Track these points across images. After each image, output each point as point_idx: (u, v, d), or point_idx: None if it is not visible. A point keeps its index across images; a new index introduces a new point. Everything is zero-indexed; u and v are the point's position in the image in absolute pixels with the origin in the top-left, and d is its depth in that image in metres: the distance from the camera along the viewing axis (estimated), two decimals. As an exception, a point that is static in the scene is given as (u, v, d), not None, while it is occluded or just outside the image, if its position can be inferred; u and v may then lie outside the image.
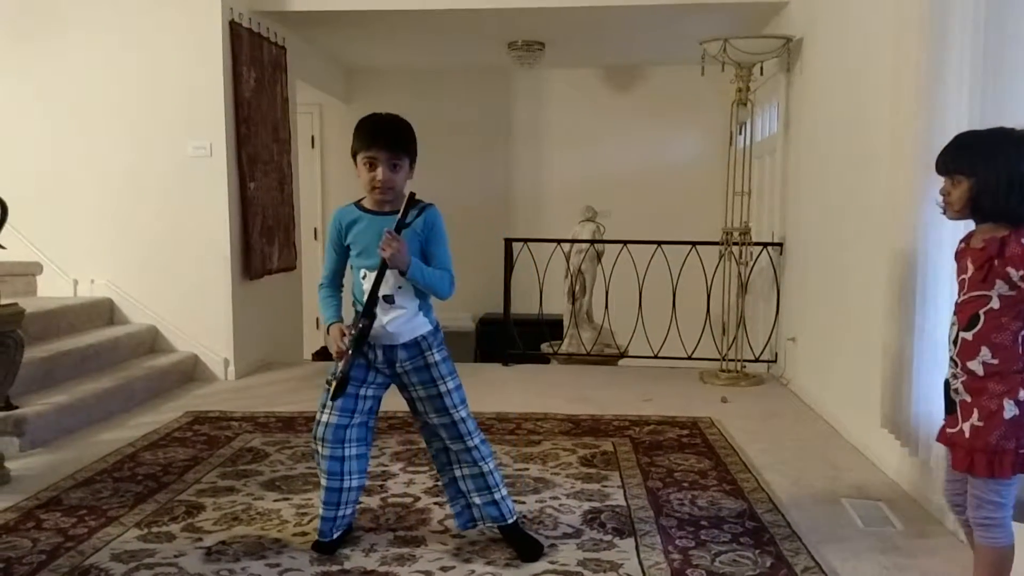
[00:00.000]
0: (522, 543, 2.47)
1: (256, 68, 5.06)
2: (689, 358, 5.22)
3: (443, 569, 2.38)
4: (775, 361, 5.15)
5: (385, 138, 2.32)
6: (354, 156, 2.36)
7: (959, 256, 1.96)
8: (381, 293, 2.31)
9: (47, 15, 4.77)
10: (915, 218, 2.68)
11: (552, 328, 6.02)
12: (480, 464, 2.43)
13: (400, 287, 2.34)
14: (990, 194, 1.83)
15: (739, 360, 5.01)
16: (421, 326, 2.40)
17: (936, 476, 2.73)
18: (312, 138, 7.45)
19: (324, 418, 2.42)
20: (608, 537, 2.60)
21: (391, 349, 2.38)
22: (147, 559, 2.44)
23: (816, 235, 4.39)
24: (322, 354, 6.99)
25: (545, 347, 6.03)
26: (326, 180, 7.56)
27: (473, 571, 2.37)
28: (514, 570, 2.38)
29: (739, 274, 5.04)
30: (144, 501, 2.90)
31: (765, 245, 5.17)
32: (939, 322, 2.60)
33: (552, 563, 2.41)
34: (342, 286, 2.49)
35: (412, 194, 2.32)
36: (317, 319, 7.56)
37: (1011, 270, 1.79)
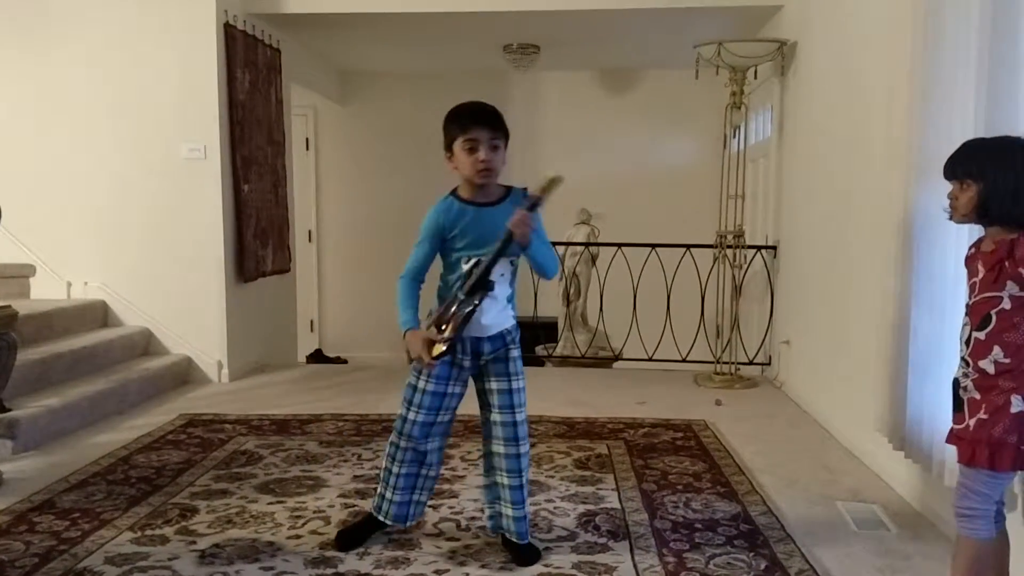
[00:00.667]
0: (522, 549, 2.46)
1: (251, 70, 5.05)
2: (683, 361, 5.23)
3: (437, 572, 2.38)
4: (769, 364, 5.17)
5: (484, 118, 2.33)
6: (449, 146, 2.35)
7: (969, 261, 2.01)
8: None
9: (41, 17, 4.76)
10: (910, 221, 2.69)
11: (547, 331, 6.03)
12: (522, 474, 2.44)
13: (502, 274, 2.35)
14: (998, 199, 1.88)
15: (733, 363, 5.01)
16: (508, 319, 2.42)
17: (932, 479, 2.74)
18: (306, 140, 7.42)
19: (411, 416, 2.44)
20: (602, 540, 2.60)
21: (478, 341, 2.39)
22: (140, 562, 2.43)
23: (810, 238, 4.41)
24: (316, 356, 6.96)
25: (540, 350, 6.04)
26: (320, 182, 7.54)
27: (468, 574, 2.37)
28: (508, 573, 2.38)
29: (733, 277, 5.05)
30: (138, 504, 2.89)
31: (759, 248, 5.19)
32: (933, 326, 2.61)
33: (547, 566, 2.41)
34: (423, 281, 2.44)
35: (558, 179, 2.29)
36: (312, 321, 7.55)
37: (1022, 271, 1.84)
